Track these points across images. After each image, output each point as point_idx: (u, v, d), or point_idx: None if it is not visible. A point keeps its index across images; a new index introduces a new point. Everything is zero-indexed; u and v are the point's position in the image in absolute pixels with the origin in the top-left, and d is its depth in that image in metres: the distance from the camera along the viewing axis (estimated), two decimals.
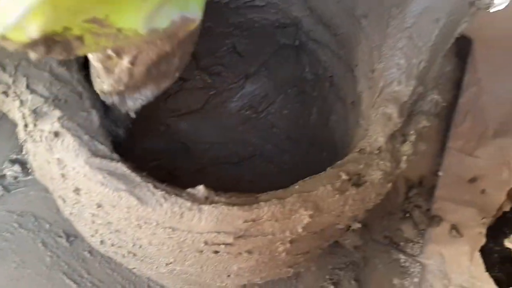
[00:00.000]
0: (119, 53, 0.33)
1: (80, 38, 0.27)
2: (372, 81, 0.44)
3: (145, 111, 0.57)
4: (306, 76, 0.57)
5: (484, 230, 0.59)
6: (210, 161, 0.57)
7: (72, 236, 0.51)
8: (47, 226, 0.51)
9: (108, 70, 0.34)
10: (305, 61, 0.56)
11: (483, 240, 0.58)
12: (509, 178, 0.62)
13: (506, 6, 0.80)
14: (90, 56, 0.33)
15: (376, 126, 0.41)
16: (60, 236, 0.51)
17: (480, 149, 0.66)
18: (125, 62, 0.33)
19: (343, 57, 0.49)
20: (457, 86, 0.73)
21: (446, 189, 0.62)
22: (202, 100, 0.60)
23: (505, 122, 0.68)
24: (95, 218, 0.38)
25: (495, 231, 0.60)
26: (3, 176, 0.54)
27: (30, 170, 0.53)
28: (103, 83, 0.35)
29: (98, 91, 0.37)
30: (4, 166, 0.54)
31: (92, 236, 0.41)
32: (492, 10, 0.44)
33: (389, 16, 0.43)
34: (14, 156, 0.55)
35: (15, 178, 0.53)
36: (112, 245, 0.40)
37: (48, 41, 0.25)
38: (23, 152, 0.40)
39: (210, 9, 0.52)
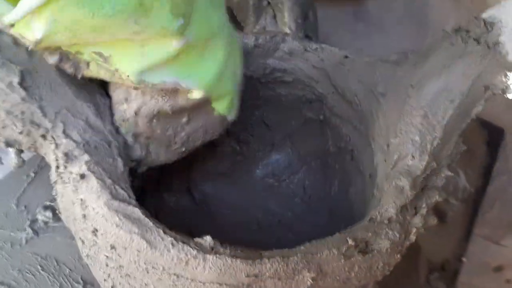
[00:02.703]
0: (127, 99, 0.40)
1: (87, 63, 0.34)
2: (387, 154, 0.46)
3: (175, 169, 0.61)
4: (329, 149, 0.59)
5: None
6: (230, 225, 0.58)
7: (89, 283, 0.53)
8: (67, 271, 0.53)
9: (123, 115, 0.42)
10: (329, 135, 0.58)
11: None
12: None
13: None
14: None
15: (388, 197, 0.42)
16: (78, 282, 0.52)
17: (507, 238, 0.64)
18: (132, 109, 0.40)
19: (363, 131, 0.51)
20: (486, 173, 0.73)
21: (469, 276, 0.60)
22: (229, 165, 0.63)
23: None
24: (109, 261, 0.40)
25: None
26: (36, 220, 0.57)
27: (60, 216, 0.56)
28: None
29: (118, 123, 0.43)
30: (37, 211, 0.58)
31: (105, 280, 0.43)
32: (510, 96, 0.45)
33: (406, 95, 0.46)
34: (48, 203, 0.58)
35: (46, 223, 0.57)
36: None
37: (63, 54, 0.33)
38: (53, 194, 0.43)
39: (244, 84, 0.57)
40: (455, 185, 0.71)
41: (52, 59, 0.33)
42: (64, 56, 0.33)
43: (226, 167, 0.63)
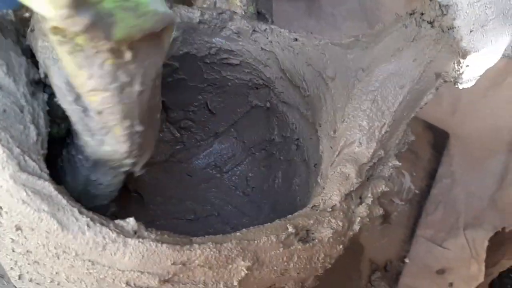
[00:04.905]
0: (86, 70, 0.28)
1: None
2: (333, 140, 0.43)
3: None
4: (274, 139, 0.56)
5: None
6: (163, 215, 0.54)
7: None
8: None
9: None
10: (274, 123, 0.55)
11: None
12: (479, 273, 0.59)
13: (485, 107, 0.82)
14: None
15: (332, 184, 0.40)
16: None
17: (450, 240, 0.63)
18: (85, 82, 0.28)
19: (309, 118, 0.48)
20: (431, 175, 0.72)
21: (412, 278, 0.59)
22: (167, 154, 0.58)
23: (476, 217, 0.66)
24: (15, 245, 0.35)
25: None
26: None
27: None
28: None
29: None
30: None
31: (12, 268, 0.37)
32: (461, 86, 0.43)
33: (355, 78, 0.43)
34: None
35: None
36: (30, 280, 0.36)
37: None
38: None
39: (186, 62, 0.53)
40: (400, 185, 0.70)
41: None
42: None
43: (164, 155, 0.58)
